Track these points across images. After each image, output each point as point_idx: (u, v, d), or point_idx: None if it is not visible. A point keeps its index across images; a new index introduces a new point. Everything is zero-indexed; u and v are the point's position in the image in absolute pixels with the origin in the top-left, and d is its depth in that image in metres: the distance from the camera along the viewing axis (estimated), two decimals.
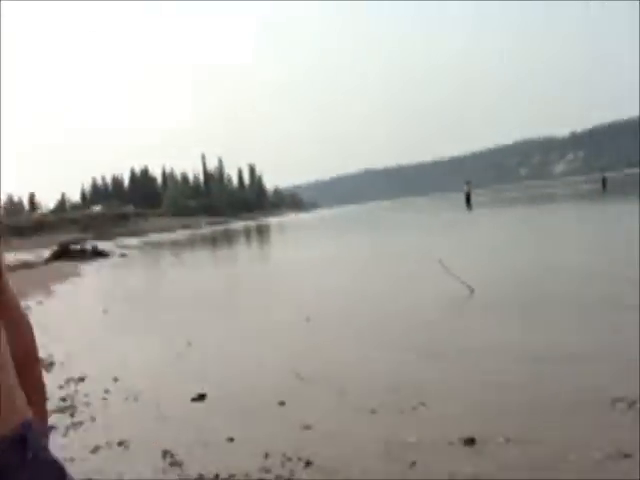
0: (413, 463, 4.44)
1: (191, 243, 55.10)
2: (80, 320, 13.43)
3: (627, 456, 4.15)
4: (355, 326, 9.50)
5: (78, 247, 44.21)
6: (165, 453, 5.08)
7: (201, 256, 35.29)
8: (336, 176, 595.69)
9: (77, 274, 28.75)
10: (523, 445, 4.51)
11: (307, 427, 5.37)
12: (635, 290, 9.77)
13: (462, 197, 55.56)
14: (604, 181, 61.32)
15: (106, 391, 7.28)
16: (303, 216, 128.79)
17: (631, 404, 5.00)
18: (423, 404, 5.61)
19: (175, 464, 4.90)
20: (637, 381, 5.50)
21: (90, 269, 31.67)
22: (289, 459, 4.72)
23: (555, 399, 5.35)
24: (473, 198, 55.49)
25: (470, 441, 4.66)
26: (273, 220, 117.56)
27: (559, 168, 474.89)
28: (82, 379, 7.96)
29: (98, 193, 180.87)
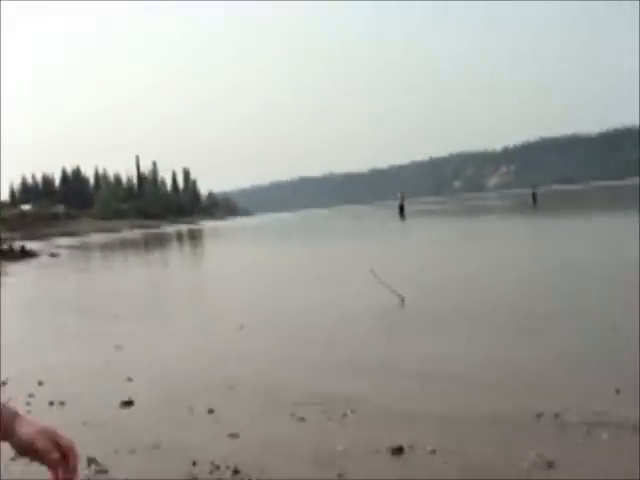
0: (341, 472, 4.45)
1: (122, 246, 54.29)
2: (4, 322, 13.06)
3: (550, 465, 4.27)
4: (286, 335, 9.49)
5: (5, 246, 43.07)
6: (90, 460, 4.98)
7: (132, 260, 34.79)
8: (268, 184, 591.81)
9: (2, 274, 28.01)
10: (450, 455, 4.57)
11: (236, 435, 5.34)
12: (548, 301, 10.11)
13: (397, 206, 56.21)
14: (534, 196, 62.85)
15: (30, 395, 7.10)
16: (235, 222, 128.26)
17: (555, 417, 5.12)
18: (352, 412, 5.64)
19: (101, 471, 4.81)
20: (559, 394, 5.66)
21: (17, 269, 30.89)
22: (217, 467, 4.68)
23: (479, 412, 5.43)
24: (407, 208, 56.25)
25: (398, 450, 4.70)
26: (207, 225, 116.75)
27: (492, 181, 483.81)
28: (4, 383, 7.74)
29: (28, 192, 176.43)
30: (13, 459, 5.09)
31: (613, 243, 17.73)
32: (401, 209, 53.46)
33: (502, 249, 19.92)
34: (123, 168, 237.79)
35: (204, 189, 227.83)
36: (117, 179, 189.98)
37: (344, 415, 5.59)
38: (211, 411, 6.03)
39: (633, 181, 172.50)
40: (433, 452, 4.63)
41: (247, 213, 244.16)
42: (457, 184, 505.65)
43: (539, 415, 5.16)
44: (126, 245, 55.12)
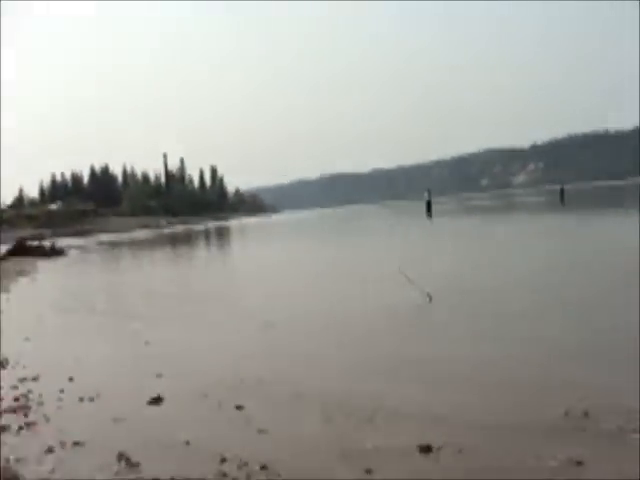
0: (369, 470, 4.46)
1: (150, 243, 54.65)
2: (34, 319, 13.21)
3: (580, 464, 4.26)
4: (315, 333, 9.47)
5: (35, 244, 43.58)
6: (120, 455, 5.04)
7: (160, 257, 35.00)
8: (288, 182, 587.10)
9: (33, 271, 28.35)
10: (479, 454, 4.57)
11: (264, 431, 5.37)
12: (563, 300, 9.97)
13: (422, 205, 55.94)
14: (562, 193, 62.34)
15: (61, 391, 7.19)
16: (264, 219, 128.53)
17: (584, 416, 5.09)
18: (380, 411, 5.64)
19: (131, 466, 4.86)
20: (588, 393, 5.61)
21: (47, 267, 31.24)
22: (245, 463, 4.71)
23: (508, 412, 5.40)
24: (434, 206, 55.95)
25: (426, 449, 4.70)
26: (234, 222, 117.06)
27: (519, 179, 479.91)
28: (36, 379, 7.84)
29: (57, 190, 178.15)
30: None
31: None
32: (428, 207, 53.15)
33: (534, 248, 19.79)
34: (151, 166, 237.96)
35: (231, 186, 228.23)
36: (145, 177, 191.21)
37: (372, 413, 5.59)
38: (239, 408, 6.06)
39: None
40: (462, 451, 4.63)
41: (273, 210, 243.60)
42: (484, 181, 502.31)
43: (567, 414, 5.14)
44: (154, 242, 55.47)
